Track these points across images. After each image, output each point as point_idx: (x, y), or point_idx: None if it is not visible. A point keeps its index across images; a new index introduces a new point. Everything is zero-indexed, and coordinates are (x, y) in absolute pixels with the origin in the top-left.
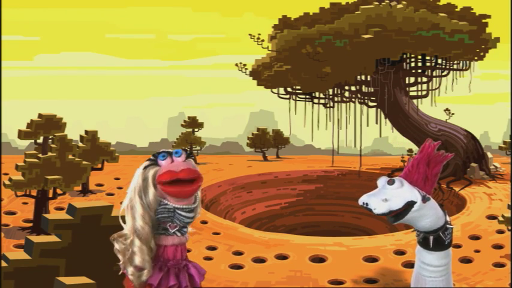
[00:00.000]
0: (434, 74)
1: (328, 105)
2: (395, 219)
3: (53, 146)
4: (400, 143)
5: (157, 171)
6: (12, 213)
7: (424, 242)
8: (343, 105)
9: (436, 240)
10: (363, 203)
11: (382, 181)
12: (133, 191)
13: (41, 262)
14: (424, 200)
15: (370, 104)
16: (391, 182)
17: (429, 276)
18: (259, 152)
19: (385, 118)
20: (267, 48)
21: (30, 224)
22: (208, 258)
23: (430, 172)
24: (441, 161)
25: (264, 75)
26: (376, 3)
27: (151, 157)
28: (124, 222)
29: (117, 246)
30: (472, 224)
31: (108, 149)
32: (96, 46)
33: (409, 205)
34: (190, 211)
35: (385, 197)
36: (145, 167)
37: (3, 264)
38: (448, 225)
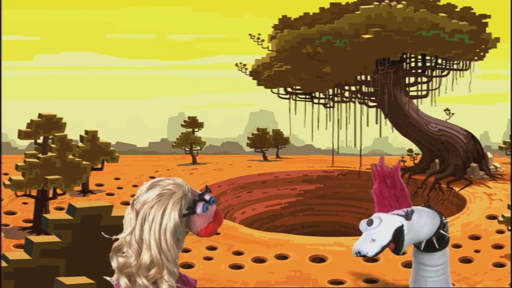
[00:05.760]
0: (434, 74)
1: (328, 105)
2: (397, 249)
3: (53, 146)
4: (400, 143)
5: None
6: (12, 213)
7: (428, 247)
8: (343, 105)
9: (439, 238)
10: (356, 252)
11: (362, 225)
12: (166, 232)
13: (41, 262)
14: (408, 216)
15: (370, 104)
16: (369, 223)
17: (430, 276)
18: (259, 152)
19: (385, 118)
20: (267, 48)
21: (30, 224)
22: (208, 258)
23: (395, 191)
24: (396, 175)
25: (264, 75)
26: (376, 3)
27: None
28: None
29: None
30: (472, 224)
31: (108, 149)
32: (96, 46)
33: (399, 232)
34: None
35: (371, 238)
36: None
37: (3, 264)
38: (443, 219)
